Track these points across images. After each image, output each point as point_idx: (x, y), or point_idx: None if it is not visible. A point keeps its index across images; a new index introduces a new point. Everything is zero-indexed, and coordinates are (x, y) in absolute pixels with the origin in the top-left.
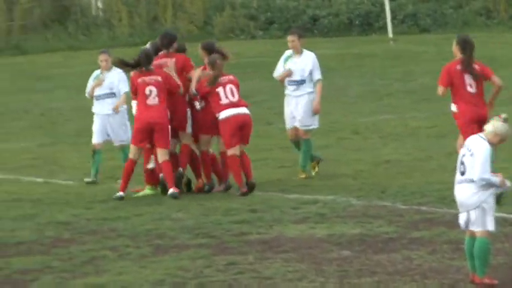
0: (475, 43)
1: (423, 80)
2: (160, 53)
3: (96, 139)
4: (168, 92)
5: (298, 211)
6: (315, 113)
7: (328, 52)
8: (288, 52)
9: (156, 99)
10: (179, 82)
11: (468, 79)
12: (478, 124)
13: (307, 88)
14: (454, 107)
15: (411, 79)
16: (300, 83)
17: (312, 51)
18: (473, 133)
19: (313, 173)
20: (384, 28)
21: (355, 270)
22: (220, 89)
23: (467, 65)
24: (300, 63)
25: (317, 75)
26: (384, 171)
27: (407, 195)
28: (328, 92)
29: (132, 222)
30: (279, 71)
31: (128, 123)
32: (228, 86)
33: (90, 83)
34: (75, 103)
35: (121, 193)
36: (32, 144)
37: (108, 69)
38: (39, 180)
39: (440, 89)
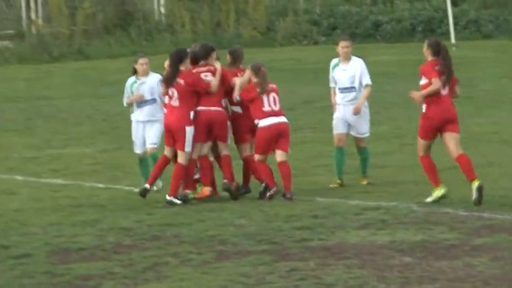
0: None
1: (485, 86)
2: (200, 63)
3: (138, 149)
4: (198, 93)
5: (360, 217)
6: (355, 112)
7: (390, 58)
8: (335, 60)
9: (177, 102)
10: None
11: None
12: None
13: (358, 95)
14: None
15: (473, 85)
16: (350, 90)
17: (374, 57)
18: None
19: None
20: (446, 34)
21: (417, 276)
22: (264, 97)
23: (444, 68)
24: (349, 70)
25: (366, 80)
26: (446, 177)
27: (469, 201)
28: (390, 98)
29: (194, 228)
30: (331, 80)
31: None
32: (272, 95)
33: (128, 90)
34: None
35: (146, 185)
36: (94, 149)
37: (146, 74)
38: (101, 185)
39: (437, 82)
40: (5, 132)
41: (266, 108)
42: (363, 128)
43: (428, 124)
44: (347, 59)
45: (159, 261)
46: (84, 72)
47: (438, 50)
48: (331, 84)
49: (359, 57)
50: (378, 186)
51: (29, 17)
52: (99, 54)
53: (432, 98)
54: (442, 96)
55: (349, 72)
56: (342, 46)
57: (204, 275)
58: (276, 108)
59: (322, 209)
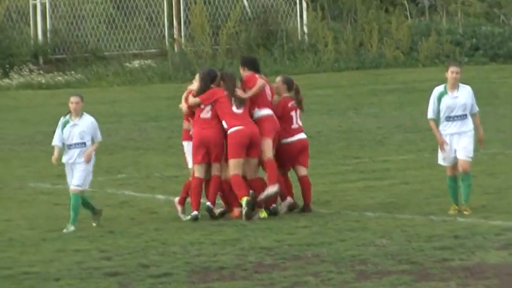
0: None
1: None
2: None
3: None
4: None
5: (501, 237)
6: (480, 141)
7: None
8: (439, 88)
9: (209, 113)
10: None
11: None
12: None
13: (469, 122)
14: None
15: None
16: (463, 117)
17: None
18: None
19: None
20: None
21: None
22: (293, 113)
23: None
24: (461, 97)
25: (476, 108)
26: None
27: None
28: None
29: (335, 247)
30: (434, 111)
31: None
32: (298, 111)
33: (59, 130)
34: None
35: (195, 212)
36: None
37: (79, 115)
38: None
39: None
40: (147, 151)
41: (294, 125)
42: (471, 151)
43: None
44: (456, 85)
45: (299, 280)
46: None
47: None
48: (432, 116)
49: (467, 83)
50: None
51: (171, 36)
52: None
53: None
54: None
55: (461, 100)
56: (452, 71)
57: None
58: (300, 123)
59: (463, 229)
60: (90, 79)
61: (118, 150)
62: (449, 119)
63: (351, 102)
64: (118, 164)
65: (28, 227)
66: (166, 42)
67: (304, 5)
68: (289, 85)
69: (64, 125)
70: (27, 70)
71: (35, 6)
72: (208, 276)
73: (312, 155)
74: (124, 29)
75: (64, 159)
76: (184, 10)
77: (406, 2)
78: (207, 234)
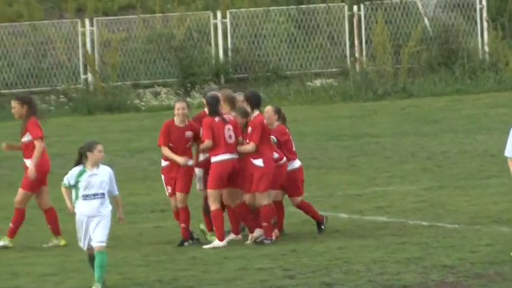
0: None
1: None
2: None
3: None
4: None
5: None
6: None
7: None
8: None
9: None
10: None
11: None
12: None
13: None
14: None
15: None
16: None
17: None
18: None
19: None
20: None
21: None
22: (291, 138)
23: None
24: None
25: None
26: None
27: None
28: None
29: None
30: None
31: None
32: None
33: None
34: (462, 147)
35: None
36: (418, 187)
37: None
38: (425, 223)
39: None
40: (329, 170)
41: (294, 148)
42: None
43: None
44: None
45: None
46: (408, 110)
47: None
48: (510, 154)
49: None
50: None
51: (353, 55)
52: (423, 93)
53: None
54: None
55: None
56: None
57: None
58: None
59: None
60: (272, 98)
61: None
62: None
63: None
64: None
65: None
66: (348, 61)
67: (485, 24)
68: (279, 114)
69: (80, 174)
70: None
71: (216, 26)
72: None
73: (496, 174)
74: (305, 48)
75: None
76: (366, 29)
77: None
78: (390, 253)
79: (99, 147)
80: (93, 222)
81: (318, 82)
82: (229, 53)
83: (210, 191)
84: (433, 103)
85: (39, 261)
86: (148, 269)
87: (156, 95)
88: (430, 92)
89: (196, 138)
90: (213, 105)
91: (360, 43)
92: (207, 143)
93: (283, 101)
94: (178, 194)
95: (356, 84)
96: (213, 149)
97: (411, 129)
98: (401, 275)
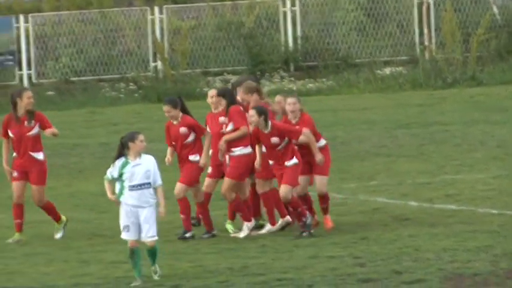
0: None
1: None
2: None
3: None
4: None
5: None
6: None
7: None
8: None
9: None
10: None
11: None
12: None
13: None
14: None
15: None
16: None
17: None
18: None
19: None
20: None
21: None
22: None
23: None
24: None
25: None
26: None
27: None
28: None
29: None
30: None
31: None
32: None
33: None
34: None
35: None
36: (488, 175)
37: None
38: (495, 211)
39: None
40: (398, 158)
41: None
42: None
43: None
44: None
45: None
46: (478, 99)
47: None
48: None
49: None
50: None
51: (422, 43)
52: (492, 81)
53: None
54: None
55: None
56: None
57: None
58: None
59: None
60: (342, 86)
61: (370, 157)
62: None
63: None
64: (370, 171)
65: (281, 233)
66: (417, 49)
67: None
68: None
69: (123, 166)
70: (278, 77)
71: (285, 14)
72: (461, 283)
73: None
74: (375, 36)
75: (131, 202)
76: (435, 17)
77: None
78: (460, 241)
79: (141, 137)
80: (143, 213)
81: (387, 70)
82: (299, 41)
83: (233, 182)
84: (502, 91)
85: (109, 248)
86: (218, 256)
87: (226, 82)
88: (500, 80)
89: (197, 132)
90: (231, 96)
91: (429, 31)
92: (244, 129)
93: (352, 89)
94: (179, 184)
95: (425, 72)
96: (242, 139)
97: (480, 118)
98: (471, 263)
